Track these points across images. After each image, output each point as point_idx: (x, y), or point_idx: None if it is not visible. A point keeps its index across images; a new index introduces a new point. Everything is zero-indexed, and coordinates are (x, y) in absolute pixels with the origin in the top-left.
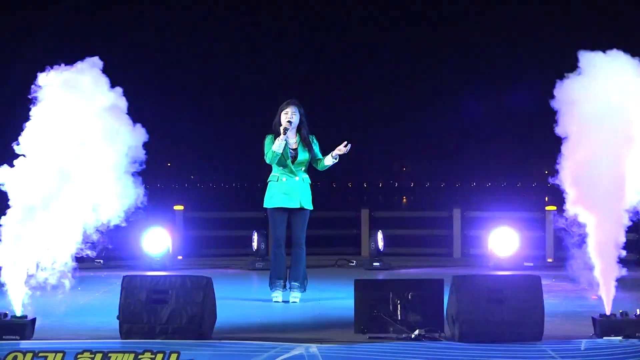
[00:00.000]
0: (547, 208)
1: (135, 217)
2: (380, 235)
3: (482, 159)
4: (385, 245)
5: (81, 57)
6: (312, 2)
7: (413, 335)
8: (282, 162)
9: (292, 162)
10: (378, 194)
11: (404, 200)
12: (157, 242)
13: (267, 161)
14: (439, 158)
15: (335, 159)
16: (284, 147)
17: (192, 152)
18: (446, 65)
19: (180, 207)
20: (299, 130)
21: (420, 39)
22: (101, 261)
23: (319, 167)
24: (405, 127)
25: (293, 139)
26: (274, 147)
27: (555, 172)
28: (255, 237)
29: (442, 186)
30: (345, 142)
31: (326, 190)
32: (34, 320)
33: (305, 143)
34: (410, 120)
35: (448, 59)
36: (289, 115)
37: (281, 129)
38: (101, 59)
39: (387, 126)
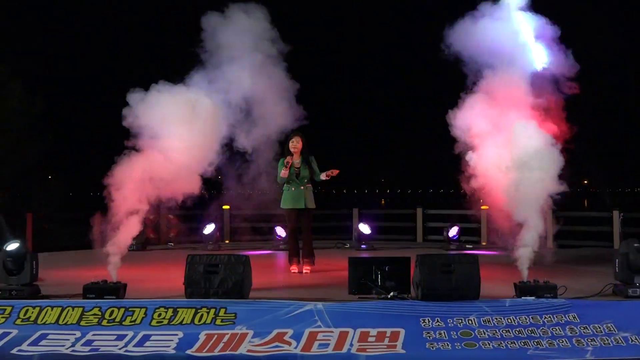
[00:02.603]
0: (482, 207)
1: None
2: (362, 225)
3: (437, 171)
4: (369, 233)
5: None
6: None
7: (389, 296)
8: (290, 178)
9: (297, 177)
10: (364, 197)
11: (382, 201)
12: (211, 230)
13: (278, 180)
14: (407, 171)
15: (328, 177)
16: (291, 167)
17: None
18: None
19: (227, 207)
20: (302, 153)
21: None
22: (172, 244)
23: (317, 180)
24: (384, 149)
25: (297, 160)
26: (282, 174)
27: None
28: (278, 228)
29: (409, 192)
30: (337, 169)
31: (328, 195)
32: (125, 285)
33: (306, 163)
34: (387, 145)
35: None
36: (294, 144)
37: (285, 162)
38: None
39: (371, 149)
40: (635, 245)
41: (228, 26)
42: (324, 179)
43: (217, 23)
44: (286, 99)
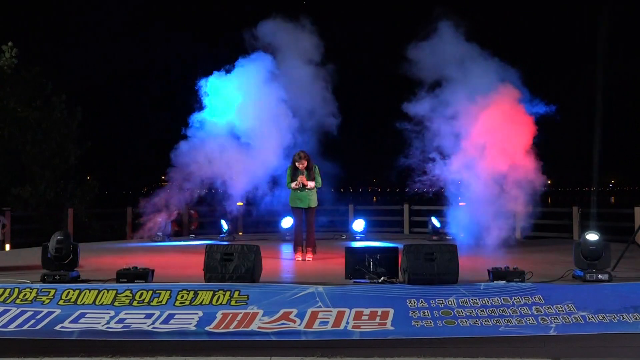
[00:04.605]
0: (460, 203)
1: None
2: (361, 221)
3: (419, 174)
4: (364, 226)
5: None
6: None
7: (380, 280)
8: None
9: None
10: (359, 195)
11: (375, 199)
12: (227, 224)
13: (287, 186)
14: (395, 173)
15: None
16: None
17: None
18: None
19: (241, 203)
20: (307, 165)
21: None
22: (194, 235)
23: (317, 187)
24: (375, 155)
25: (303, 170)
26: (293, 186)
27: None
28: (285, 221)
29: (397, 190)
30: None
31: (329, 193)
32: (153, 271)
33: (310, 173)
34: (377, 151)
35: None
36: (301, 160)
37: (299, 181)
38: None
39: (363, 154)
40: (592, 239)
41: (283, 36)
42: (311, 186)
43: (272, 30)
44: (328, 110)
